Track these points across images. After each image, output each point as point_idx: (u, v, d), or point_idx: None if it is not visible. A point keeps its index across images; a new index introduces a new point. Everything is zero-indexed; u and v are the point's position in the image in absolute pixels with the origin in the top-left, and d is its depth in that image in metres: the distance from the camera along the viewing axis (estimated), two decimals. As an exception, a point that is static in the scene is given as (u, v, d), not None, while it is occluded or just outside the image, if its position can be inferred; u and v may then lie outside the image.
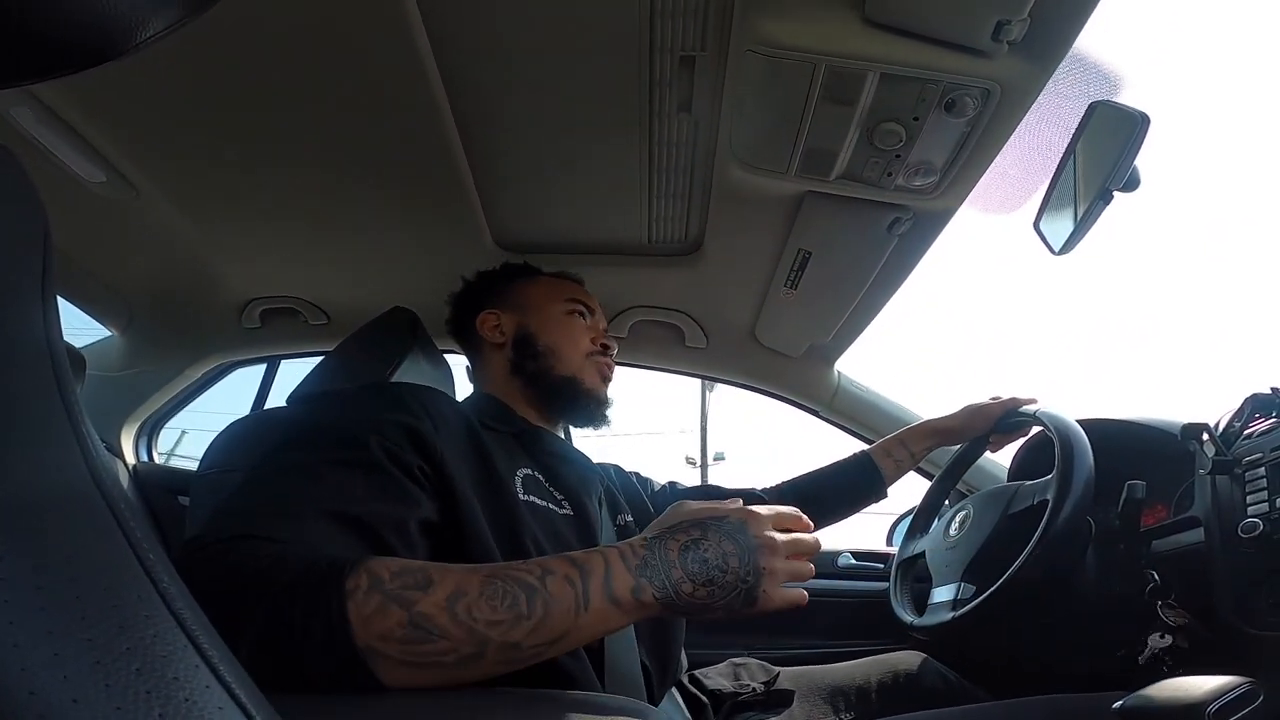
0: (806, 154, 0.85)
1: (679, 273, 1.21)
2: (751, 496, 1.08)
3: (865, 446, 1.40)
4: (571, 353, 0.90)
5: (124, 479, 1.45)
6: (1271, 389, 0.85)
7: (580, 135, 0.94)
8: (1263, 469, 0.77)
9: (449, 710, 0.42)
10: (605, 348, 0.94)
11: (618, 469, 1.04)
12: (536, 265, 1.01)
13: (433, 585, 0.43)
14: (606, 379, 0.93)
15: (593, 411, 0.91)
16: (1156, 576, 0.85)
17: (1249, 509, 0.76)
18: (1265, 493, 0.75)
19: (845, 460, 1.14)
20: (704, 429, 10.83)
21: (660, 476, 1.11)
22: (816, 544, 0.57)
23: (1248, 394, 0.88)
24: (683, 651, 0.86)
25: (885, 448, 1.14)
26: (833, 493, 1.11)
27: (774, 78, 0.75)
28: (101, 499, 0.23)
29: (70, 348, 1.25)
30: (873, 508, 1.17)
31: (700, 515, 0.54)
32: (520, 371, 0.89)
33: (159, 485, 1.47)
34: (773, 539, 0.53)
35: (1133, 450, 0.98)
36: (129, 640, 0.20)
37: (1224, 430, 0.87)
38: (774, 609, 0.52)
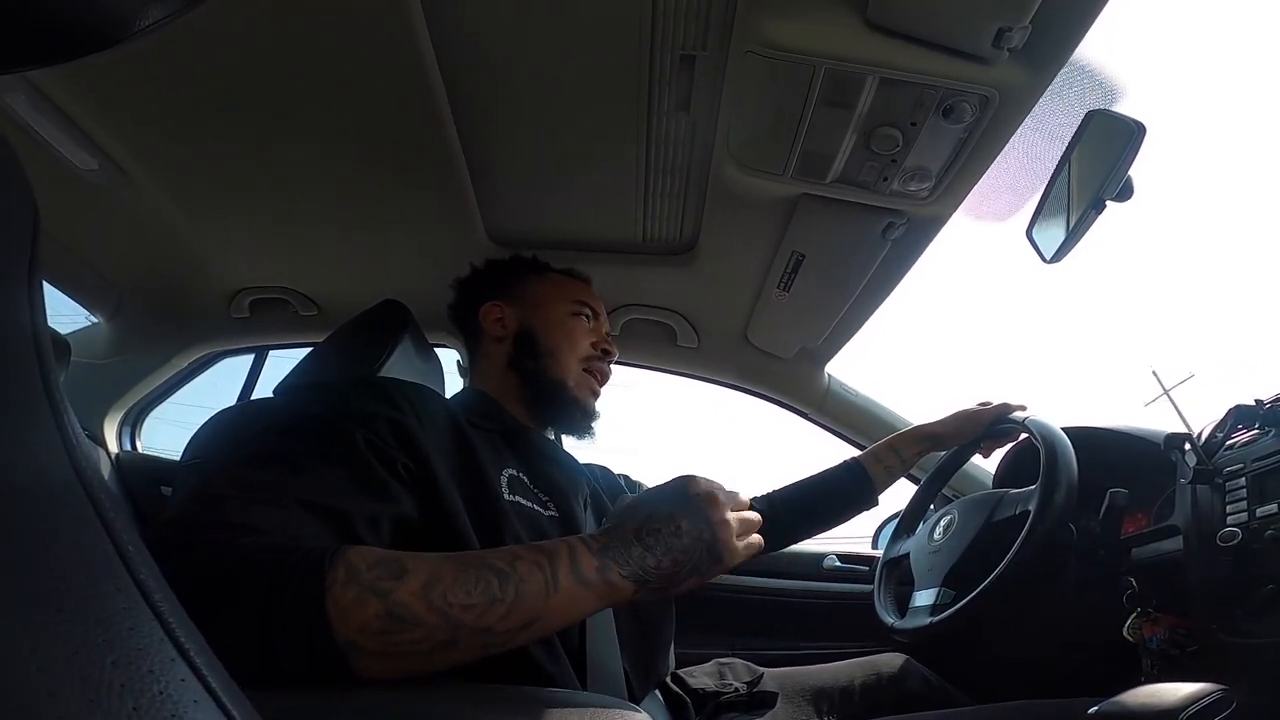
0: (803, 156, 0.85)
1: (673, 272, 1.21)
2: None
3: (854, 449, 1.40)
4: (569, 356, 0.89)
5: (106, 469, 1.44)
6: (1255, 400, 0.86)
7: (578, 131, 0.94)
8: (1243, 479, 0.78)
9: (428, 705, 0.42)
10: (605, 353, 0.93)
11: (605, 470, 1.04)
12: (545, 260, 1.00)
13: (408, 574, 0.44)
14: (595, 392, 0.92)
15: (577, 420, 0.90)
16: (1135, 583, 0.86)
17: (1228, 518, 0.77)
18: (1244, 503, 0.76)
19: (835, 468, 1.13)
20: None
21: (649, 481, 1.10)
22: (757, 520, 0.61)
23: (1231, 405, 0.90)
24: (670, 655, 0.86)
25: (875, 454, 1.14)
26: (823, 501, 1.11)
27: (773, 79, 0.75)
28: (81, 489, 0.23)
29: (55, 334, 1.24)
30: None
31: (642, 501, 0.57)
32: (517, 368, 0.88)
33: (141, 475, 1.45)
34: (710, 493, 0.56)
35: (1116, 458, 0.99)
36: (105, 633, 0.20)
37: (1206, 441, 0.88)
38: (739, 560, 0.56)
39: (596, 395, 0.93)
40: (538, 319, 0.91)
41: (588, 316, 0.94)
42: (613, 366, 0.96)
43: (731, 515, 0.56)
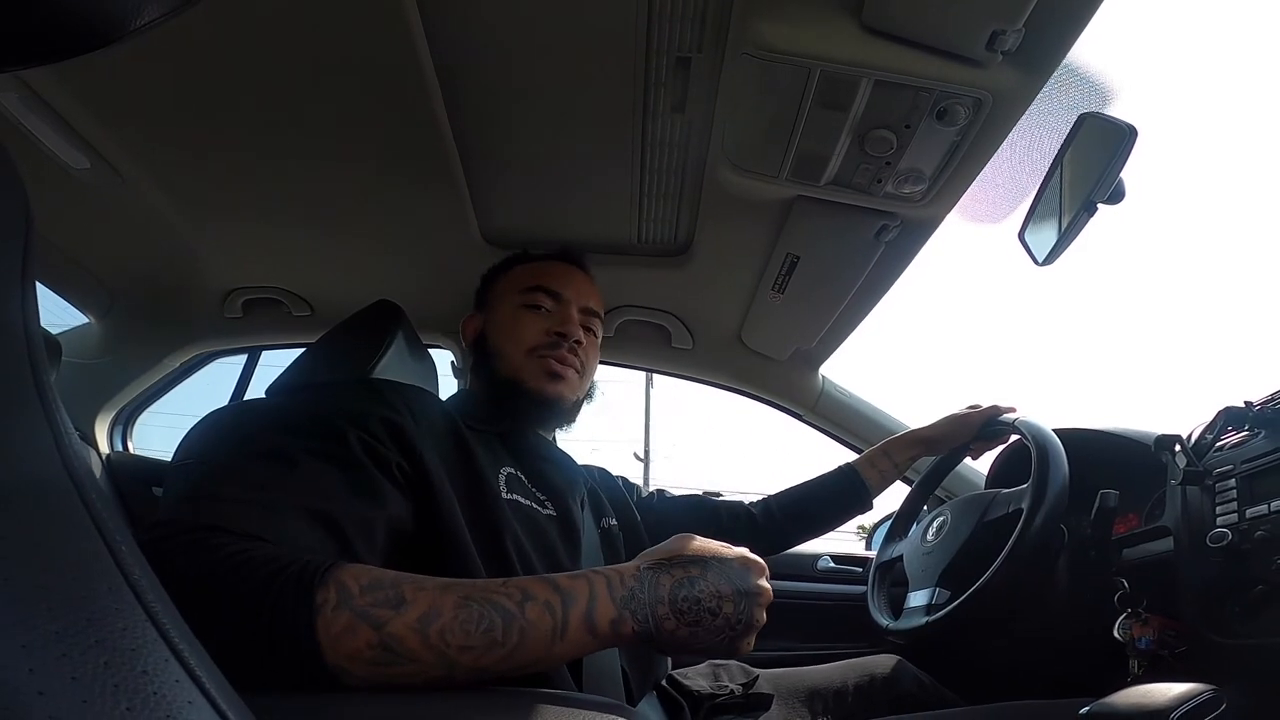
0: (798, 158, 0.85)
1: (668, 273, 1.22)
2: (741, 511, 1.09)
3: (848, 450, 1.41)
4: (512, 351, 0.85)
5: (97, 468, 1.43)
6: (1245, 402, 0.87)
7: (573, 133, 0.94)
8: (1233, 480, 0.79)
9: (426, 709, 0.42)
10: (561, 336, 0.85)
11: (603, 472, 1.04)
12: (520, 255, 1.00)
13: (405, 604, 0.42)
14: (554, 374, 0.84)
15: (540, 414, 0.85)
16: (1126, 584, 0.87)
17: (1218, 519, 0.77)
18: (1234, 504, 0.77)
19: (830, 473, 1.14)
20: (648, 427, 12.25)
21: (649, 484, 1.11)
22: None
23: (1221, 407, 0.90)
24: (667, 659, 0.86)
25: (869, 459, 1.15)
26: (819, 506, 1.12)
27: (768, 81, 0.75)
28: (73, 488, 0.23)
29: (46, 334, 1.23)
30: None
31: (703, 552, 0.53)
32: (478, 374, 0.89)
33: (133, 475, 1.44)
34: (767, 590, 0.53)
35: (1107, 460, 1.00)
36: (98, 633, 0.20)
37: (1196, 442, 0.89)
38: (743, 654, 0.53)
39: (560, 377, 0.85)
40: (490, 320, 0.91)
41: (544, 304, 0.88)
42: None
43: (763, 615, 0.53)
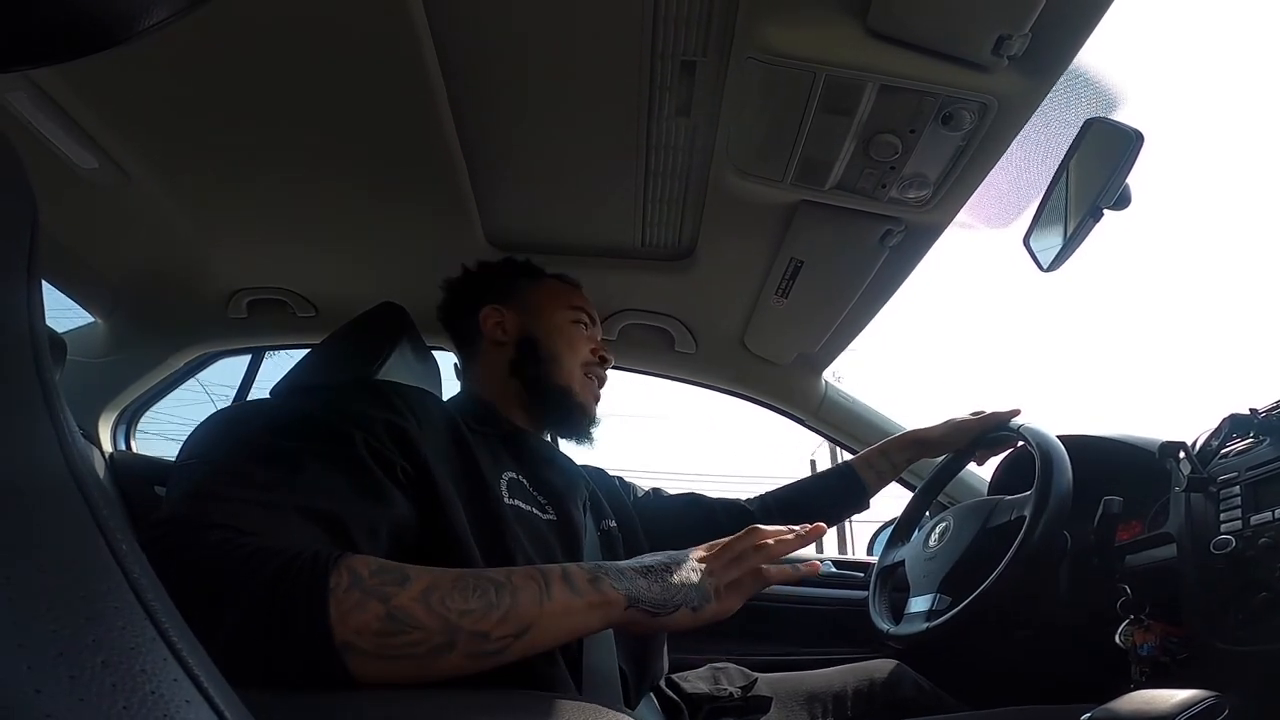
0: (802, 163, 0.85)
1: (671, 277, 1.22)
2: (737, 508, 1.09)
3: (850, 455, 1.41)
4: (571, 363, 0.90)
5: (100, 467, 1.43)
6: (1250, 409, 0.86)
7: (578, 136, 0.94)
8: (1237, 488, 0.78)
9: (426, 709, 0.42)
10: (604, 360, 0.95)
11: (599, 471, 1.04)
12: (538, 265, 1.00)
13: (409, 581, 0.45)
14: (597, 397, 0.94)
15: (580, 425, 0.91)
16: (1129, 591, 0.86)
17: (1222, 526, 0.77)
18: (1239, 510, 0.76)
19: (828, 471, 1.15)
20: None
21: (644, 483, 1.11)
22: (753, 534, 0.65)
23: (1226, 414, 0.90)
24: (665, 657, 0.86)
25: (867, 459, 1.15)
26: (816, 504, 1.12)
27: (773, 85, 0.75)
28: (75, 487, 0.23)
29: (51, 332, 1.23)
30: (855, 517, 1.17)
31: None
32: (519, 374, 0.89)
33: (136, 474, 1.44)
34: (698, 551, 0.62)
35: (1111, 466, 0.99)
36: (96, 631, 0.20)
37: (1201, 449, 0.88)
38: (733, 605, 0.59)
39: (598, 400, 0.94)
40: (539, 325, 0.91)
41: (585, 323, 0.95)
42: (609, 371, 0.97)
43: (718, 564, 0.61)
